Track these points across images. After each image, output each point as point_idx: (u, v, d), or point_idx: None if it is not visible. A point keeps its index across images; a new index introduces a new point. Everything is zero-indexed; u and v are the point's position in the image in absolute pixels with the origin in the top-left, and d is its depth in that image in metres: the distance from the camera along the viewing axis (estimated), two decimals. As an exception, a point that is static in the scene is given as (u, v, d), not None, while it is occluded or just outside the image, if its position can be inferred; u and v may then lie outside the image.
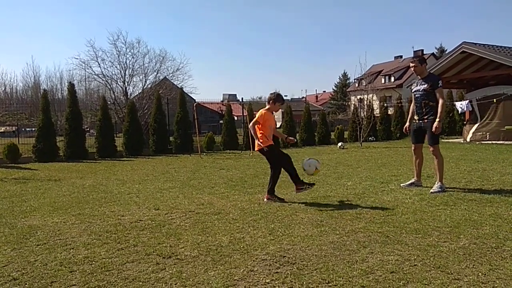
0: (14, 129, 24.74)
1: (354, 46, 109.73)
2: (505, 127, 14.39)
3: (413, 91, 5.88)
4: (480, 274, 2.73)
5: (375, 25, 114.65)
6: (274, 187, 5.34)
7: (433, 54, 48.01)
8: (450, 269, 2.83)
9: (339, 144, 15.43)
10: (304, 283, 2.67)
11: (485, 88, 15.38)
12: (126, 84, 19.63)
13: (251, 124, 5.38)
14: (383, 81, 46.91)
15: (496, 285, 2.56)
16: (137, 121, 14.82)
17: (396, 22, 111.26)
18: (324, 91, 71.71)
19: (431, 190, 5.50)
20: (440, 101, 5.57)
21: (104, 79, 19.64)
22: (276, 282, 2.70)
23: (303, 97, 59.19)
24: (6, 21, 79.13)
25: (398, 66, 48.84)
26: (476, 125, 15.51)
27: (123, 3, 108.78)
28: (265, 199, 5.28)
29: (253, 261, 3.10)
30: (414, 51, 47.48)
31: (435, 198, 5.18)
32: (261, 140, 5.23)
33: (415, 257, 3.07)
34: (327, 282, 2.67)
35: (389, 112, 20.83)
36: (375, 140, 18.84)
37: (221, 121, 18.04)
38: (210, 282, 2.73)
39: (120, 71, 19.54)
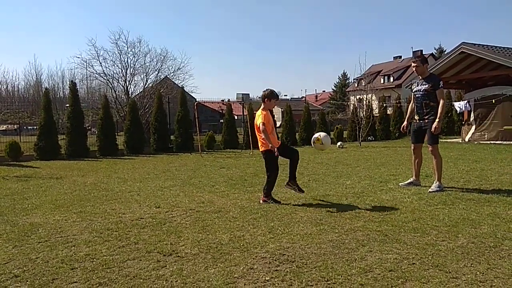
0: (15, 127, 24.78)
1: (354, 46, 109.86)
2: (504, 127, 14.41)
3: (413, 91, 5.88)
4: (478, 273, 2.76)
5: (374, 25, 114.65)
6: (271, 190, 5.22)
7: (432, 54, 48.01)
8: (448, 267, 2.86)
9: (338, 143, 15.46)
10: (304, 281, 2.70)
11: (484, 88, 15.40)
12: (127, 83, 19.66)
13: (262, 128, 5.09)
14: (382, 81, 46.91)
15: (494, 284, 2.59)
16: (138, 119, 14.84)
17: (395, 23, 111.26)
18: (324, 91, 71.69)
19: (430, 190, 5.53)
20: (441, 102, 5.60)
21: (105, 78, 19.68)
22: (276, 280, 2.73)
23: (302, 97, 59.21)
24: (9, 20, 79.16)
25: (397, 66, 48.85)
26: (474, 125, 15.54)
27: (126, 1, 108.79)
28: (260, 201, 5.20)
29: (253, 259, 3.13)
30: (413, 52, 47.46)
31: (434, 197, 5.21)
32: (264, 142, 5.16)
33: (414, 255, 3.10)
34: (326, 280, 2.71)
35: (388, 112, 20.86)
36: (374, 139, 18.87)
37: (222, 120, 18.06)
38: (210, 279, 2.76)
39: (122, 70, 19.57)
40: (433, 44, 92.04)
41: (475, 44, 15.04)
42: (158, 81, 20.82)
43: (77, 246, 3.56)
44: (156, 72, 20.76)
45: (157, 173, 8.57)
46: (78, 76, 26.44)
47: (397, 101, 20.42)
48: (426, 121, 5.67)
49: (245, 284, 2.68)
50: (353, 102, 26.41)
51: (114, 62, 19.48)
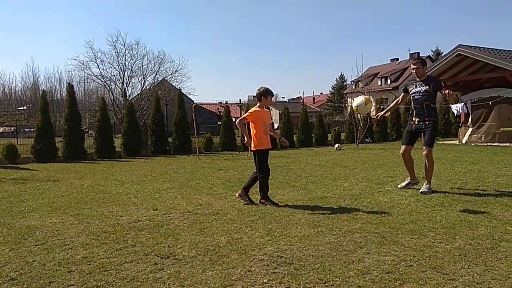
0: (12, 130, 24.70)
1: (351, 48, 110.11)
2: (500, 129, 14.48)
3: (411, 92, 5.86)
4: (475, 274, 2.77)
5: (371, 28, 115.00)
6: (267, 191, 5.20)
7: (429, 56, 48.16)
8: (445, 269, 2.86)
9: (336, 145, 15.48)
10: (301, 283, 2.70)
11: (480, 90, 15.48)
12: (125, 85, 19.66)
13: (237, 120, 5.35)
14: (379, 83, 47.04)
15: (491, 286, 2.59)
16: (135, 122, 14.82)
17: (393, 25, 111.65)
18: (321, 93, 71.82)
19: (421, 190, 5.58)
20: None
21: (103, 80, 19.68)
22: (274, 282, 2.72)
23: (299, 97, 59.29)
24: (5, 22, 78.97)
25: (395, 68, 49.00)
26: (471, 127, 15.60)
27: (124, 3, 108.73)
28: (259, 204, 5.16)
29: (251, 261, 3.13)
30: (410, 54, 47.68)
31: (431, 199, 5.23)
32: (255, 142, 5.18)
33: (411, 257, 3.11)
34: (324, 282, 2.71)
35: (386, 114, 20.89)
36: (372, 141, 18.90)
37: (219, 122, 18.07)
38: (208, 282, 2.75)
39: (119, 72, 19.58)
40: (430, 46, 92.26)
41: (471, 46, 15.13)
42: (155, 83, 20.83)
43: (74, 249, 3.55)
44: (154, 74, 20.80)
45: (154, 176, 8.56)
46: (76, 78, 26.38)
47: (395, 103, 20.45)
48: (427, 122, 5.65)
49: (242, 287, 2.67)
50: (350, 104, 26.47)
51: (111, 64, 19.51)
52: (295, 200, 5.40)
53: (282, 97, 66.81)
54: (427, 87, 5.62)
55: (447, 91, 5.43)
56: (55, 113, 23.41)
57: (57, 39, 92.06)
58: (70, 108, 13.67)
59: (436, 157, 10.56)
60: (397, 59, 52.44)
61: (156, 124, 14.94)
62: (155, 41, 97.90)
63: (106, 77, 19.54)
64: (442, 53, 46.19)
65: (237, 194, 5.37)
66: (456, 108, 15.96)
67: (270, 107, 20.91)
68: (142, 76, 20.30)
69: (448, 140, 17.55)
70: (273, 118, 17.31)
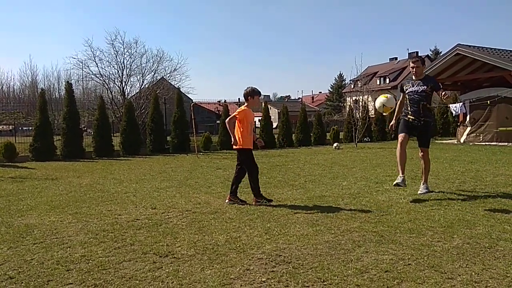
0: (11, 128, 24.64)
1: (350, 47, 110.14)
2: (499, 128, 14.51)
3: (407, 91, 5.65)
4: (473, 273, 2.77)
5: (370, 27, 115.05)
6: (259, 189, 5.19)
7: (427, 56, 48.21)
8: (443, 268, 2.87)
9: (335, 144, 15.49)
10: (300, 281, 2.70)
11: (479, 90, 15.51)
12: (123, 84, 19.66)
13: (227, 119, 5.26)
14: (378, 83, 47.06)
15: (489, 285, 2.60)
16: (134, 120, 14.80)
17: (392, 24, 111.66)
18: (320, 92, 71.89)
19: (419, 191, 5.49)
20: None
21: (101, 78, 19.67)
22: (272, 281, 2.73)
23: (299, 98, 59.31)
24: (4, 20, 78.71)
25: (393, 67, 49.01)
26: (469, 127, 15.63)
27: (123, 3, 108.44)
28: (253, 203, 5.12)
29: (249, 260, 3.13)
30: (409, 53, 47.70)
31: (429, 198, 5.24)
32: (241, 141, 5.15)
33: (409, 256, 3.11)
34: (322, 281, 2.71)
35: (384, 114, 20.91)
36: (370, 140, 18.92)
37: (218, 121, 18.05)
38: (207, 280, 2.76)
39: (118, 71, 19.57)
40: (429, 46, 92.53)
41: (470, 46, 15.15)
42: (154, 82, 20.82)
43: (73, 247, 3.54)
44: (153, 73, 20.79)
45: (153, 174, 8.55)
46: (74, 77, 26.37)
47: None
48: (422, 122, 5.51)
49: (241, 285, 2.68)
50: (349, 103, 26.45)
51: (110, 63, 19.50)
52: (293, 199, 5.41)
53: (281, 96, 66.79)
54: (425, 87, 5.47)
55: (443, 92, 5.37)
56: (53, 112, 23.36)
57: (56, 38, 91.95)
58: (68, 107, 13.64)
59: (435, 156, 10.59)
60: (396, 58, 52.46)
61: (155, 122, 14.93)
62: (154, 40, 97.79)
63: (105, 76, 19.54)
64: (440, 52, 46.22)
65: (226, 200, 5.24)
66: (454, 107, 15.99)
67: (269, 106, 20.76)
68: (141, 75, 20.31)
69: (447, 140, 17.58)
70: (272, 117, 17.39)
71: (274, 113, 36.10)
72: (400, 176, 5.49)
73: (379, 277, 2.74)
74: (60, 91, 34.54)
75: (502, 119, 14.50)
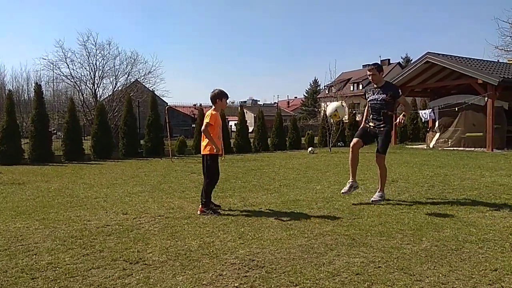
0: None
1: (324, 53, 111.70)
2: (466, 134, 15.05)
3: (369, 99, 5.61)
4: (440, 275, 2.85)
5: (344, 34, 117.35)
6: (211, 198, 5.03)
7: (399, 63, 49.61)
8: (412, 270, 2.94)
9: (309, 149, 15.65)
10: (272, 286, 2.70)
11: (447, 97, 16.04)
12: (95, 86, 19.17)
13: (204, 127, 4.95)
14: (351, 89, 47.99)
15: (455, 286, 2.68)
16: (106, 123, 14.47)
17: (365, 32, 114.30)
18: (296, 97, 72.63)
19: (372, 199, 5.37)
20: (407, 104, 5.83)
21: (72, 80, 19.10)
22: (245, 286, 2.71)
23: (275, 103, 59.68)
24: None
25: (366, 74, 49.99)
26: (438, 132, 16.14)
27: (98, 2, 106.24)
28: (198, 212, 4.87)
29: (222, 265, 3.11)
30: (381, 60, 48.91)
31: (399, 201, 5.37)
32: (209, 147, 4.97)
33: (380, 259, 3.17)
34: (294, 284, 2.72)
35: (357, 119, 21.31)
36: (344, 145, 19.21)
37: (194, 125, 17.91)
38: (178, 287, 2.71)
39: (90, 73, 19.07)
40: (400, 53, 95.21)
41: (439, 54, 15.68)
42: (128, 85, 20.43)
43: (39, 254, 3.42)
44: (126, 75, 20.39)
45: (125, 179, 8.38)
46: (44, 78, 25.53)
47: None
48: (382, 129, 5.40)
49: (213, 291, 2.65)
50: (323, 109, 26.85)
51: (82, 64, 18.98)
52: (268, 203, 5.42)
53: (257, 100, 67.03)
54: (384, 95, 5.39)
55: (401, 119, 5.39)
56: (22, 114, 22.56)
57: (25, 38, 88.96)
58: (37, 109, 13.22)
59: (405, 161, 10.88)
60: (369, 65, 53.60)
61: (128, 126, 14.65)
62: (128, 41, 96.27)
63: (76, 78, 19.01)
64: (411, 60, 47.65)
65: (199, 212, 4.87)
66: (424, 114, 16.50)
67: (245, 111, 20.74)
68: (114, 77, 19.86)
69: (416, 145, 18.08)
70: (247, 121, 17.41)
71: (250, 117, 36.19)
72: (349, 182, 5.48)
73: (350, 280, 2.78)
74: (29, 92, 33.38)
75: (469, 125, 15.04)
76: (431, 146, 16.17)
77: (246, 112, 22.32)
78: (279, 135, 17.64)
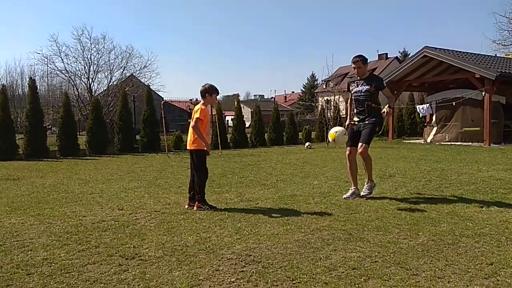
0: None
1: (322, 48, 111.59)
2: (463, 129, 15.07)
3: (353, 92, 5.47)
4: (437, 269, 2.85)
5: (342, 29, 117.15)
6: (204, 194, 4.91)
7: (396, 57, 49.57)
8: (409, 265, 2.93)
9: (307, 144, 15.64)
10: (269, 281, 2.69)
11: (445, 91, 16.05)
12: (90, 80, 19.10)
13: (194, 123, 4.84)
14: (349, 83, 47.89)
15: (451, 280, 2.68)
16: (101, 118, 14.40)
17: (362, 26, 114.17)
18: (293, 92, 72.47)
19: (362, 193, 5.28)
20: (390, 96, 5.64)
21: (67, 75, 19.03)
22: (241, 281, 2.70)
23: (272, 98, 59.56)
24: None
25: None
26: (436, 127, 16.16)
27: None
28: (195, 208, 4.81)
29: (219, 260, 3.10)
30: (379, 55, 48.92)
31: (396, 196, 5.37)
32: (197, 142, 4.87)
33: (376, 253, 3.17)
34: (291, 279, 2.71)
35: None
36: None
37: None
38: (174, 282, 2.70)
39: (84, 67, 18.99)
40: (398, 48, 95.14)
41: (437, 48, 15.65)
42: (123, 79, 20.33)
43: (34, 250, 3.39)
44: (121, 70, 20.32)
45: (121, 174, 8.34)
46: (39, 73, 25.29)
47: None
48: (367, 122, 5.27)
49: (210, 286, 2.64)
50: (321, 103, 26.84)
51: (76, 58, 18.90)
52: (265, 198, 5.41)
53: (254, 95, 66.95)
54: (368, 86, 5.28)
55: (386, 110, 5.22)
56: (16, 109, 22.44)
57: (19, 32, 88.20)
58: (31, 104, 13.12)
59: (402, 155, 10.89)
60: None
61: (123, 121, 14.57)
62: (123, 34, 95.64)
63: (71, 72, 18.92)
64: (409, 54, 47.66)
65: (195, 208, 4.82)
66: (421, 108, 16.51)
67: (242, 105, 20.66)
68: (109, 71, 19.80)
69: (414, 139, 18.10)
70: (244, 116, 17.37)
71: (247, 112, 36.13)
72: (351, 189, 5.39)
73: (347, 274, 2.77)
74: (23, 87, 33.12)
75: (467, 120, 15.06)
76: (428, 140, 16.20)
77: (243, 107, 22.26)
78: (276, 130, 17.61)
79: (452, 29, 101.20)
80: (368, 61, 5.48)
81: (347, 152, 5.45)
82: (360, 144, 5.18)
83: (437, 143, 15.38)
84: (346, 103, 5.91)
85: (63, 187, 6.77)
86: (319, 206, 4.85)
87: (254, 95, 67.08)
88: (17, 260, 3.15)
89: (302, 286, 2.61)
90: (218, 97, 5.26)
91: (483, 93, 14.18)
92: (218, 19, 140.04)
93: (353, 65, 5.42)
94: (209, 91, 5.04)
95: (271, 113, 18.13)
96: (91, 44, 18.97)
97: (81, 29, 20.34)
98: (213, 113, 16.30)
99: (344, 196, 5.35)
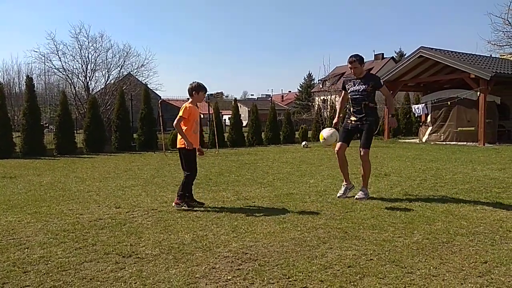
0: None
1: (319, 47, 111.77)
2: (458, 128, 15.16)
3: (349, 91, 5.39)
4: (431, 267, 2.88)
5: (338, 29, 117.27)
6: (191, 192, 4.98)
7: (392, 58, 49.70)
8: (404, 263, 2.97)
9: (303, 143, 15.68)
10: (265, 279, 2.71)
11: (440, 91, 16.13)
12: (88, 79, 18.98)
13: (176, 122, 4.86)
14: (346, 83, 47.95)
15: (446, 278, 2.71)
16: (99, 117, 14.37)
17: (359, 26, 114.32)
18: (290, 91, 72.54)
19: (356, 196, 5.17)
20: (388, 96, 5.63)
21: (64, 73, 18.90)
22: (238, 279, 2.72)
23: (268, 95, 59.61)
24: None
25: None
26: (431, 126, 16.24)
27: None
28: (173, 204, 4.84)
29: (215, 258, 3.11)
30: (375, 55, 49.02)
31: (392, 195, 5.41)
32: (183, 141, 4.86)
33: (371, 251, 3.20)
34: (287, 277, 2.73)
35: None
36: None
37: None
38: (171, 280, 2.72)
39: (82, 66, 18.87)
40: (393, 48, 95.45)
41: (432, 49, 15.72)
42: (120, 78, 20.27)
43: (31, 248, 3.40)
44: (119, 68, 20.21)
45: (118, 173, 8.34)
46: (36, 71, 25.20)
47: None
48: (364, 122, 5.22)
49: (206, 284, 2.66)
50: (317, 103, 26.89)
51: (74, 57, 18.78)
52: (262, 197, 5.43)
53: (251, 95, 66.92)
54: (365, 86, 5.20)
55: (387, 121, 5.18)
56: (13, 107, 22.34)
57: (16, 30, 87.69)
58: (28, 102, 13.07)
59: (397, 155, 10.94)
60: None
61: (121, 119, 14.55)
62: (121, 33, 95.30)
63: (68, 70, 18.80)
64: (405, 54, 47.77)
65: (173, 204, 4.84)
66: (417, 108, 16.58)
67: (239, 105, 20.67)
68: (107, 70, 19.68)
69: (409, 139, 18.18)
70: (241, 115, 17.37)
71: (244, 111, 36.15)
72: (344, 185, 5.40)
73: (342, 272, 2.80)
74: (20, 85, 32.97)
75: (462, 120, 15.14)
76: (423, 140, 16.27)
77: (240, 106, 22.27)
78: (273, 129, 17.64)
79: (448, 30, 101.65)
80: (365, 60, 5.46)
81: (336, 148, 5.42)
82: (360, 149, 5.20)
83: (432, 143, 15.46)
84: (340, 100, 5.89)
85: (60, 185, 6.77)
86: (315, 205, 4.88)
87: (251, 94, 67.06)
88: (13, 258, 3.16)
89: (298, 284, 2.64)
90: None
91: (478, 93, 14.26)
92: (218, 19, 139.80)
93: (349, 65, 5.36)
94: (196, 89, 5.06)
95: (268, 112, 18.16)
96: (88, 42, 18.88)
97: (79, 27, 20.18)
98: (210, 112, 16.31)
99: (338, 195, 5.35)
